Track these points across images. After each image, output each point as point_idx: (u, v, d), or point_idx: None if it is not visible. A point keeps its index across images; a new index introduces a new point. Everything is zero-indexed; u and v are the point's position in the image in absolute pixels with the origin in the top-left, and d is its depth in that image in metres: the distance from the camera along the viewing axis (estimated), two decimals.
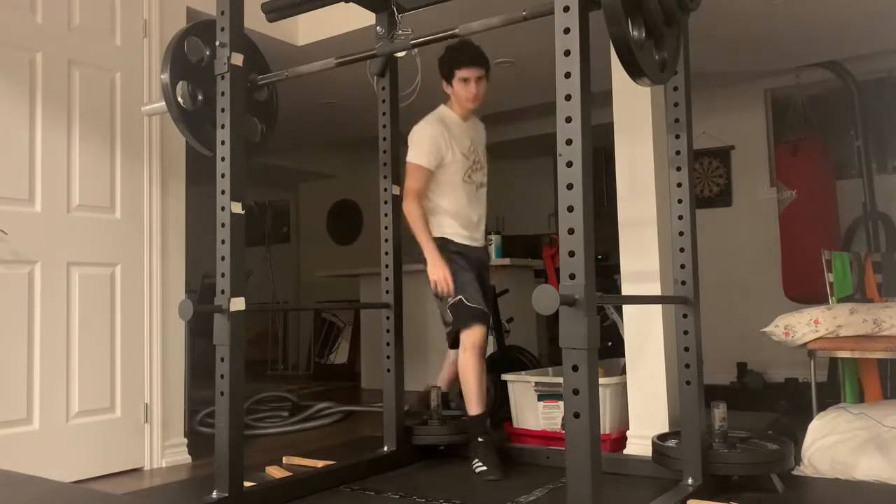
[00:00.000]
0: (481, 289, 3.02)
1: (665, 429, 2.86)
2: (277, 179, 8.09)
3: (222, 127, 2.39)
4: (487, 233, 3.33)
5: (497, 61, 4.15)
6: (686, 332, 2.48)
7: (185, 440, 3.23)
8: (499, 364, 3.80)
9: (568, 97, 1.78)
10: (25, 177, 2.78)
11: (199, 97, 2.57)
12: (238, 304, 2.33)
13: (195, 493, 2.56)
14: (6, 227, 2.69)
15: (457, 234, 3.05)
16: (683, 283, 2.48)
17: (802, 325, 3.01)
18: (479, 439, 2.89)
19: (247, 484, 2.41)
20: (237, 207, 2.36)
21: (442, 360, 3.71)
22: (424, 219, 2.98)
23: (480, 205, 3.15)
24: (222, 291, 2.33)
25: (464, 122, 3.11)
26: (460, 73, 2.99)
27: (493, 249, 4.65)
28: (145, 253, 3.13)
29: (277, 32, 3.80)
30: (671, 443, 2.59)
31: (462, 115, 3.09)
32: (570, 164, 1.77)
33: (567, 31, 1.79)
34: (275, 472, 2.89)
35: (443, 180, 3.03)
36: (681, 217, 2.50)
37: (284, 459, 3.09)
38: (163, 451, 3.11)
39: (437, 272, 2.91)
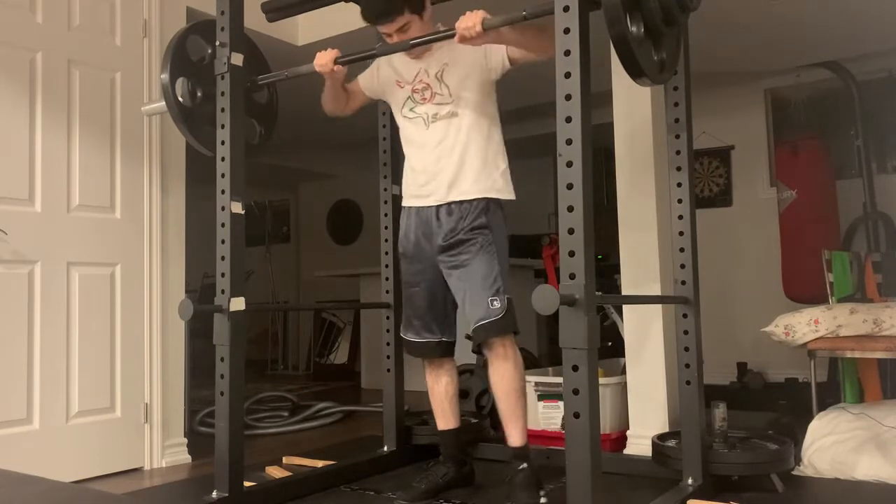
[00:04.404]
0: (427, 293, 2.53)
1: (665, 429, 2.85)
2: (277, 179, 8.09)
3: (222, 127, 2.39)
4: None
5: None
6: (686, 332, 2.47)
7: (185, 440, 3.23)
8: None
9: (568, 97, 1.78)
10: (25, 177, 2.78)
11: (199, 94, 2.56)
12: (238, 303, 2.33)
13: (195, 493, 2.56)
14: (6, 227, 2.69)
15: (406, 196, 2.57)
16: (683, 282, 2.48)
17: (802, 325, 3.02)
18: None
19: (247, 484, 2.41)
20: (237, 207, 2.36)
21: None
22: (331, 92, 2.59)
23: (438, 145, 2.44)
24: (222, 291, 2.33)
25: (413, 59, 2.49)
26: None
27: None
28: (145, 253, 3.13)
29: (277, 32, 3.79)
30: (671, 443, 2.59)
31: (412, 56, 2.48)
32: (570, 164, 1.77)
33: (567, 31, 1.79)
34: (275, 472, 2.89)
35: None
36: (681, 217, 2.50)
37: (284, 459, 3.09)
38: (163, 450, 3.11)
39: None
